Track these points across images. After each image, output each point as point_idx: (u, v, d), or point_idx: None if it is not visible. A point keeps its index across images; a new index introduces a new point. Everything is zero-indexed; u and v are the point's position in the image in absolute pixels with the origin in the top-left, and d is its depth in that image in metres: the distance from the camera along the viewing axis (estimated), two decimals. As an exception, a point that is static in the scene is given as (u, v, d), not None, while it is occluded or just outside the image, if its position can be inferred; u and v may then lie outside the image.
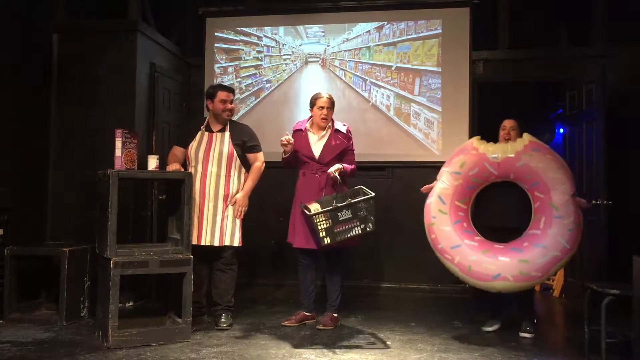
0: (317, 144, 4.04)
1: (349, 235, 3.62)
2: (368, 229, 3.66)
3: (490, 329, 4.00)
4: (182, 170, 3.92)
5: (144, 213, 4.95)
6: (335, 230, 3.58)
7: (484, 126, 5.42)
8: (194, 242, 3.82)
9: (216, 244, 3.92)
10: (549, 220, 3.60)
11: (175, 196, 3.82)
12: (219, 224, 3.93)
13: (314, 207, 3.70)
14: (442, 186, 3.80)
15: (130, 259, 3.48)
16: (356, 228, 3.63)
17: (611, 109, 4.86)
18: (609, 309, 3.16)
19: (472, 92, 5.52)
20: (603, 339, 3.18)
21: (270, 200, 5.74)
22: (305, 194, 3.95)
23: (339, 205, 3.62)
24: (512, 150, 3.72)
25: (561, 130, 6.75)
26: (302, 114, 5.80)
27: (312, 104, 4.09)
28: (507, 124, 4.02)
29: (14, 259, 4.06)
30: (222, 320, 3.94)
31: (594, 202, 4.74)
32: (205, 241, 3.89)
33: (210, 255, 3.99)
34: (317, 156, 4.01)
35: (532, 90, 6.83)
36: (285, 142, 3.87)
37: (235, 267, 4.04)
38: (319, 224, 3.56)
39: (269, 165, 5.37)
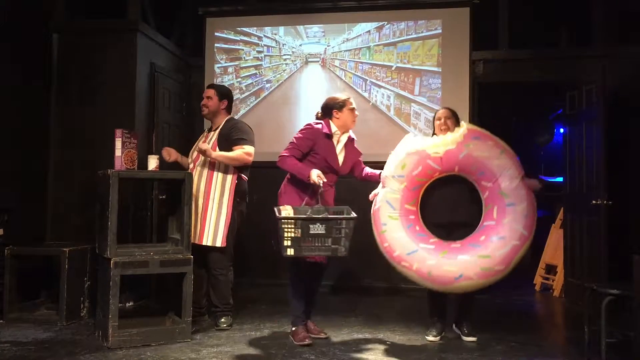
0: (340, 153, 3.72)
1: (315, 253, 3.29)
2: (339, 253, 3.27)
3: (434, 338, 3.74)
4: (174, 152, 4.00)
5: (144, 213, 4.95)
6: (302, 244, 3.22)
7: (484, 126, 5.42)
8: None
9: (196, 241, 3.85)
10: (502, 209, 3.42)
11: (175, 196, 3.81)
12: (200, 222, 3.89)
13: (286, 212, 3.38)
14: (389, 191, 3.53)
15: (130, 259, 3.48)
16: (325, 248, 3.25)
17: (611, 109, 4.86)
18: (609, 309, 3.16)
19: (472, 92, 5.52)
20: (603, 339, 3.17)
21: (271, 200, 5.72)
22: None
23: (313, 216, 3.27)
24: (453, 142, 3.47)
25: (561, 130, 6.76)
26: (302, 113, 5.81)
27: (341, 105, 3.68)
28: (442, 114, 3.81)
29: (14, 259, 4.06)
30: (222, 320, 3.93)
31: (594, 202, 4.74)
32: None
33: (202, 255, 3.92)
34: (340, 168, 3.71)
35: (532, 90, 6.83)
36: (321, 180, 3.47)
37: (226, 272, 3.96)
38: (286, 230, 3.20)
39: (268, 165, 5.37)
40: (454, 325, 3.89)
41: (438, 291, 3.66)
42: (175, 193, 3.81)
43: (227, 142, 3.95)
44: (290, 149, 3.61)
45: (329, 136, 3.65)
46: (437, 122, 3.81)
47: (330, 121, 3.69)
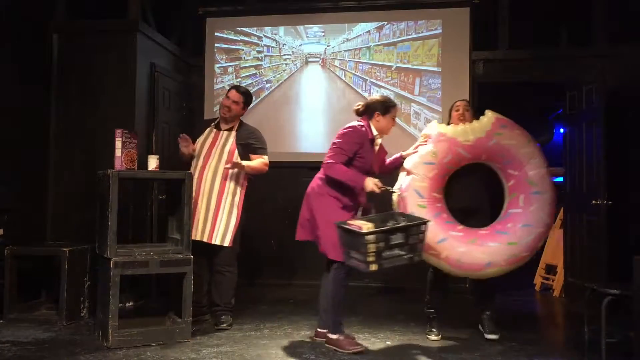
0: (376, 156, 3.67)
1: (395, 264, 3.14)
2: (414, 260, 3.21)
3: (436, 337, 3.75)
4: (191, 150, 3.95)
5: (144, 213, 4.95)
6: (384, 255, 3.06)
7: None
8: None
9: (205, 240, 3.89)
10: (528, 197, 3.53)
11: (175, 196, 3.81)
12: (210, 220, 3.91)
13: (365, 226, 3.14)
14: (417, 179, 3.53)
15: (130, 259, 3.48)
16: (404, 257, 3.13)
17: (611, 109, 4.86)
18: (609, 309, 3.16)
19: (472, 92, 5.51)
20: (603, 339, 3.18)
21: (271, 200, 5.75)
22: (348, 212, 3.48)
23: (396, 226, 3.15)
24: (482, 130, 3.56)
25: (561, 130, 6.76)
26: (302, 113, 5.82)
27: (386, 110, 3.52)
28: (461, 105, 3.80)
29: (14, 259, 4.06)
30: (222, 320, 3.93)
31: (594, 202, 4.74)
32: (196, 236, 3.87)
33: (208, 253, 3.98)
34: (374, 170, 3.62)
35: (532, 90, 6.83)
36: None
37: (233, 269, 4.00)
38: (370, 245, 3.01)
39: (269, 165, 5.38)
40: (479, 326, 3.88)
41: (439, 285, 3.76)
42: (175, 193, 3.81)
43: (245, 147, 4.02)
44: (335, 155, 3.42)
45: (372, 140, 3.53)
46: (454, 113, 3.79)
47: (370, 123, 3.54)
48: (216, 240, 3.90)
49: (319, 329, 3.63)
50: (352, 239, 3.13)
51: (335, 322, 3.48)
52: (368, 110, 3.55)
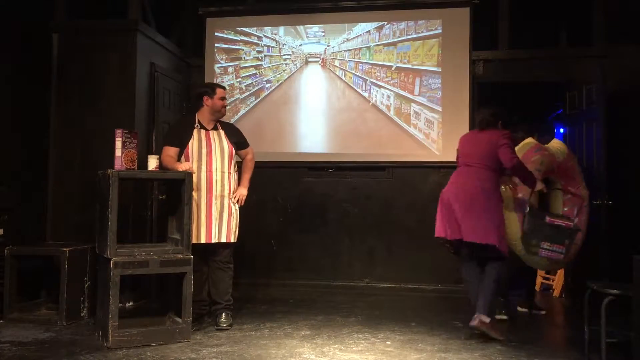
0: None
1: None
2: None
3: (505, 317, 4.34)
4: (193, 169, 3.87)
5: (144, 213, 4.95)
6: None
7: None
8: (202, 240, 3.86)
9: (224, 240, 3.92)
10: (581, 209, 4.42)
11: (175, 196, 3.81)
12: (225, 220, 3.95)
13: (572, 222, 4.20)
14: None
15: (130, 259, 3.48)
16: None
17: (611, 109, 4.86)
18: (609, 309, 3.16)
19: (472, 92, 5.52)
20: (603, 339, 3.17)
21: (271, 200, 5.75)
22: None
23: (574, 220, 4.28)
24: (564, 152, 4.46)
25: (561, 130, 6.76)
26: (302, 114, 5.83)
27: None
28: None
29: (14, 259, 4.06)
30: (222, 319, 3.93)
31: (594, 202, 4.73)
32: (214, 238, 3.89)
33: (209, 252, 3.99)
34: None
35: (532, 90, 6.82)
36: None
37: (232, 266, 4.05)
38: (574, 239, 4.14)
39: (268, 165, 5.39)
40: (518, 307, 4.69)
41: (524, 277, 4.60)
42: (175, 193, 3.81)
43: (236, 145, 4.12)
44: (515, 154, 3.84)
45: None
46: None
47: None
48: (232, 239, 3.96)
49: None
50: (556, 232, 4.07)
51: (490, 308, 3.76)
52: (500, 119, 3.97)
